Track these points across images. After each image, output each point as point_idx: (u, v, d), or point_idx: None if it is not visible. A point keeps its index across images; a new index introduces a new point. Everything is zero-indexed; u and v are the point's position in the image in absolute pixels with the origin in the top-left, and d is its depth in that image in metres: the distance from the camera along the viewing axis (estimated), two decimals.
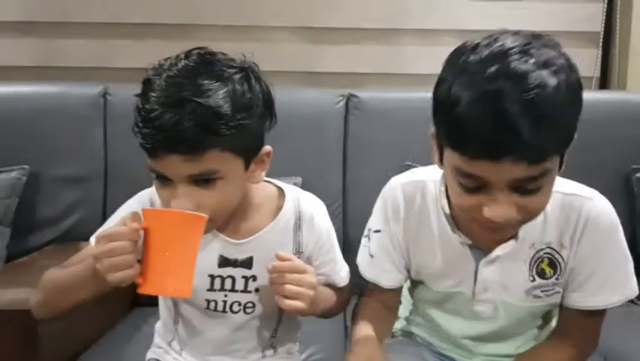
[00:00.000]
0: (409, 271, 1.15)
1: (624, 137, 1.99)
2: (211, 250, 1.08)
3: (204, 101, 0.90)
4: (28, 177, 1.94)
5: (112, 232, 0.89)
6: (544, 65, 0.80)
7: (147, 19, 2.33)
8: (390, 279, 1.14)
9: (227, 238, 1.08)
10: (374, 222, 1.15)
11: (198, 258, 0.99)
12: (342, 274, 1.17)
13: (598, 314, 1.06)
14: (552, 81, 0.80)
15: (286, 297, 0.98)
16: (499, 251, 1.02)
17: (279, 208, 1.10)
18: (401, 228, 1.10)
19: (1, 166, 1.93)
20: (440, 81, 0.87)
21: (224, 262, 1.08)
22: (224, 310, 1.10)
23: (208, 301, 1.10)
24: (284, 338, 1.20)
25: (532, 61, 0.80)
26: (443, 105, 0.85)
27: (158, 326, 1.24)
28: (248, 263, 1.08)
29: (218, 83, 0.92)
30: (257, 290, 1.10)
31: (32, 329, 1.29)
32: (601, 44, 2.35)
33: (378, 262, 1.13)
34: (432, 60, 2.33)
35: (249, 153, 0.99)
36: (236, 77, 0.94)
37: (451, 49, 0.90)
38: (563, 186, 1.01)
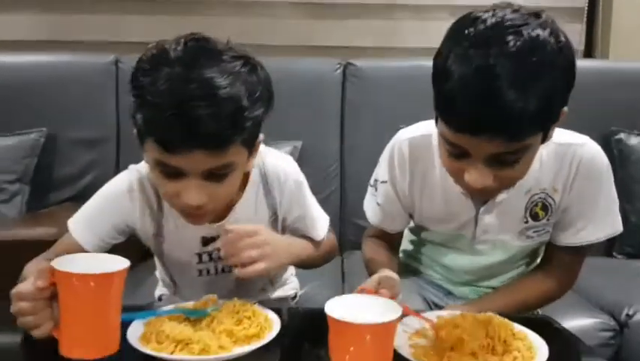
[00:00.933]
0: (411, 216, 1.21)
1: (606, 101, 2.13)
2: (192, 234, 1.07)
3: (227, 95, 0.86)
4: (45, 139, 2.09)
5: (19, 290, 0.80)
6: (533, 48, 0.82)
7: None
8: (397, 225, 1.22)
9: (205, 224, 1.04)
10: (381, 173, 1.18)
11: (182, 242, 1.06)
12: (318, 228, 1.17)
13: (581, 251, 1.12)
14: (536, 65, 0.82)
15: (245, 265, 0.95)
16: (496, 199, 1.07)
17: (247, 176, 1.07)
18: (407, 180, 1.14)
19: (22, 129, 2.07)
20: (439, 52, 0.90)
21: (206, 241, 1.09)
22: (216, 273, 1.14)
23: (200, 271, 1.13)
24: (279, 277, 1.29)
25: (521, 43, 0.82)
26: (438, 77, 0.89)
27: (158, 275, 1.28)
28: None
29: (232, 77, 0.88)
30: None
31: None
32: (585, 19, 2.48)
33: (385, 210, 1.19)
34: (426, 35, 2.48)
35: (252, 143, 0.97)
36: (244, 69, 0.91)
37: (445, 24, 0.92)
38: (556, 136, 1.01)
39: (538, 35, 0.83)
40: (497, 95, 0.81)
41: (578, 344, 0.94)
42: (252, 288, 1.22)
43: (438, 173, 1.10)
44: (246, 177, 1.07)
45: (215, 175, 0.92)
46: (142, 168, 1.07)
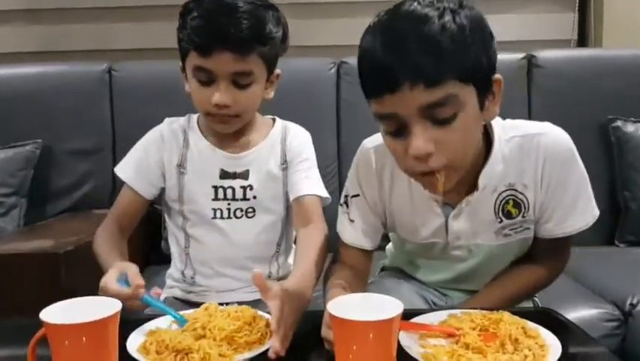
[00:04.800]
0: (385, 227, 1.18)
1: (601, 89, 2.12)
2: (213, 164, 1.27)
3: (256, 13, 1.15)
4: (41, 151, 2.08)
5: (118, 293, 0.97)
6: (438, 7, 0.87)
7: (147, 1, 2.45)
8: (371, 240, 1.16)
9: (227, 153, 1.28)
10: (351, 187, 1.16)
11: (203, 171, 1.25)
12: (313, 187, 1.27)
13: (567, 238, 1.11)
14: (440, 18, 0.86)
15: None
16: (463, 204, 1.05)
17: (270, 129, 1.33)
18: (376, 188, 1.12)
19: (17, 141, 2.06)
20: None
21: (224, 174, 1.27)
22: (229, 217, 1.27)
23: (214, 210, 1.27)
24: (287, 250, 1.35)
25: (427, 4, 0.88)
26: (357, 63, 0.92)
27: (170, 271, 1.36)
28: (245, 175, 1.27)
29: (256, 4, 1.16)
30: (255, 197, 1.27)
31: (55, 273, 1.41)
32: (577, 8, 2.47)
33: (359, 226, 1.14)
34: None
35: (271, 65, 1.23)
36: (267, 4, 1.19)
37: None
38: (517, 129, 1.05)
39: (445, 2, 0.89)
40: (401, 43, 0.85)
41: (582, 335, 0.93)
42: (259, 260, 1.30)
43: (406, 180, 1.07)
44: (270, 129, 1.32)
45: (239, 82, 1.17)
46: (174, 119, 1.33)
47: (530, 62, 2.16)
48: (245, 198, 1.27)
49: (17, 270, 1.24)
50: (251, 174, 1.28)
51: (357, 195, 1.13)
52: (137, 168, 1.29)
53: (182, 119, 1.33)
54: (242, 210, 1.28)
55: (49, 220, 2.01)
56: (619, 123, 2.08)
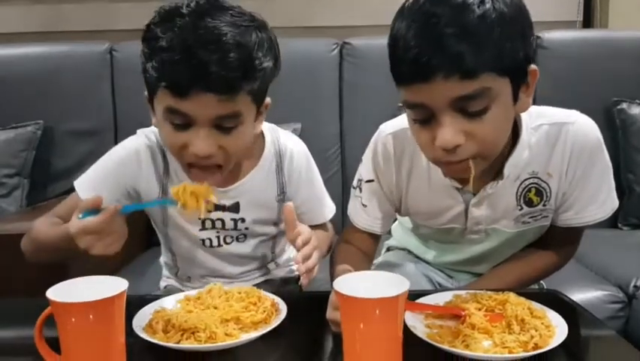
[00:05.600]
0: (398, 212, 1.17)
1: (607, 71, 2.10)
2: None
3: (235, 42, 0.91)
4: (42, 132, 2.07)
5: (86, 226, 0.87)
6: (477, 3, 0.82)
7: None
8: (383, 225, 1.15)
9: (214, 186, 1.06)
10: (365, 171, 1.13)
11: None
12: (325, 211, 1.22)
13: (582, 227, 1.10)
14: (480, 5, 0.82)
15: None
16: (486, 191, 1.03)
17: (261, 150, 1.13)
18: (393, 176, 1.10)
19: (18, 122, 2.05)
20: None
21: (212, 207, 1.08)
22: (219, 245, 1.15)
23: (203, 240, 1.15)
24: (282, 252, 1.28)
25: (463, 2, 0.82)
26: (388, 47, 0.88)
27: (162, 260, 1.29)
28: (235, 208, 1.12)
29: (241, 28, 0.93)
30: (247, 228, 1.15)
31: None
32: None
33: (371, 211, 1.13)
34: None
35: (260, 100, 1.01)
36: (253, 24, 0.96)
37: None
38: (545, 116, 1.02)
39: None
40: (437, 30, 0.80)
41: (588, 317, 0.93)
42: (255, 269, 1.23)
43: (425, 166, 1.06)
44: (260, 151, 1.13)
45: (223, 126, 0.95)
46: (149, 131, 1.11)
47: (535, 44, 2.14)
48: (236, 229, 1.15)
49: (20, 250, 1.23)
50: (242, 206, 1.13)
51: (372, 181, 1.12)
52: (95, 184, 1.08)
53: (159, 133, 1.08)
54: (232, 237, 1.16)
55: (51, 201, 2.00)
56: (624, 106, 2.07)
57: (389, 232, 1.36)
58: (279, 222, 1.18)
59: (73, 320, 0.70)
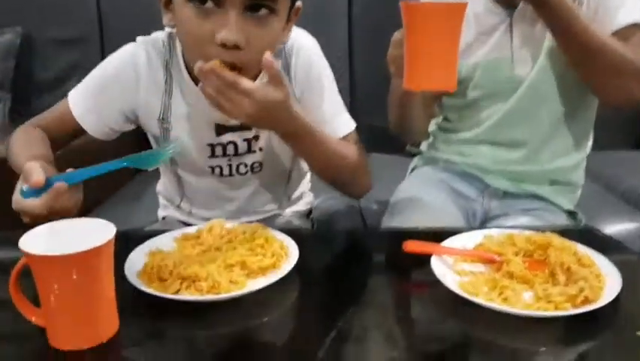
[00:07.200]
0: None
1: None
2: (205, 119, 0.99)
3: None
4: (22, 39, 1.89)
5: (25, 210, 0.76)
6: None
7: None
8: None
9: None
10: None
11: (194, 128, 0.98)
12: (339, 124, 1.02)
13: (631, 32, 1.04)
14: None
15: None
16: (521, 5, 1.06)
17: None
18: None
19: None
20: None
21: (221, 129, 1.00)
22: (230, 174, 1.04)
23: (212, 168, 1.03)
24: (295, 186, 1.17)
25: None
26: None
27: (160, 187, 1.18)
28: (247, 125, 0.98)
29: None
30: (261, 149, 1.03)
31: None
32: None
33: None
34: None
35: None
36: None
37: None
38: None
39: None
40: None
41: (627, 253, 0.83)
42: (266, 202, 1.12)
43: None
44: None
45: (255, 11, 0.83)
46: (150, 40, 0.99)
47: None
48: (250, 152, 1.03)
49: (6, 175, 1.12)
50: None
51: None
52: (92, 104, 0.99)
53: (161, 42, 0.98)
54: (246, 166, 1.04)
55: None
56: None
57: (411, 156, 1.33)
58: None
59: (52, 275, 0.59)
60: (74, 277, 0.59)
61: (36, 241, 0.61)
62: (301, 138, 0.91)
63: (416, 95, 1.10)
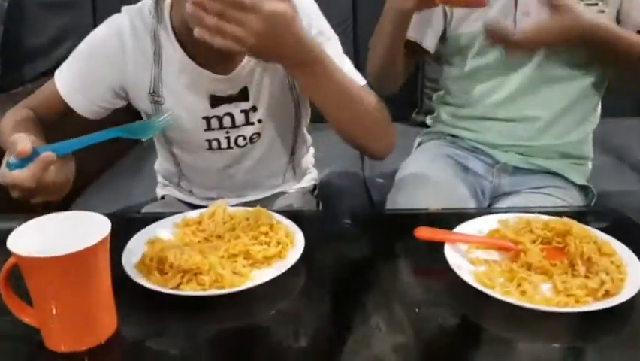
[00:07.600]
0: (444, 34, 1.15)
1: None
2: (199, 91, 0.94)
3: None
4: (9, 4, 1.79)
5: (14, 182, 0.70)
6: None
7: None
8: (428, 38, 1.15)
9: (215, 75, 0.93)
10: None
11: (187, 101, 0.92)
12: (351, 75, 0.91)
13: None
14: None
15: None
16: None
17: None
18: None
19: None
20: None
21: (217, 100, 0.95)
22: (228, 147, 1.00)
23: (209, 141, 0.99)
24: (301, 160, 1.13)
25: None
26: None
27: (158, 166, 1.15)
28: (244, 95, 0.95)
29: None
30: (260, 121, 0.99)
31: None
32: None
33: (422, 16, 1.10)
34: None
35: None
36: None
37: None
38: None
39: None
40: None
41: None
42: (269, 175, 1.08)
43: None
44: None
45: None
46: (134, 7, 0.95)
47: None
48: (248, 123, 0.98)
49: None
50: (251, 92, 0.96)
51: None
52: (78, 83, 0.95)
53: (147, 10, 0.93)
54: (245, 138, 1.00)
55: (28, 86, 1.80)
56: None
57: (422, 126, 1.31)
58: (298, 106, 1.01)
59: (43, 277, 0.55)
60: (68, 278, 0.56)
61: (25, 239, 0.57)
62: (311, 69, 0.80)
63: (402, 39, 1.09)
